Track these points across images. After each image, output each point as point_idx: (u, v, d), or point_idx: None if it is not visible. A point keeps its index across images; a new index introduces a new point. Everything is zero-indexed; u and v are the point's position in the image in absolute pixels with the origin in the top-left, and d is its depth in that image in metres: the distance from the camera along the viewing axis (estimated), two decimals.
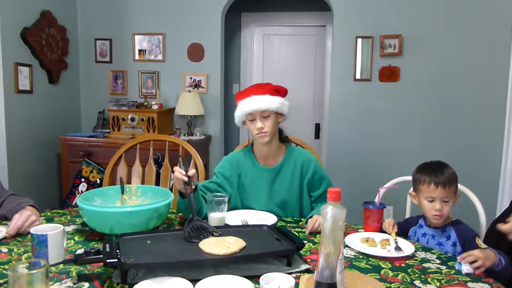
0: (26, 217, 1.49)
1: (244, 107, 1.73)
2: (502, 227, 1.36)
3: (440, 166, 1.56)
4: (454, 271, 1.28)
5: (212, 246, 1.25)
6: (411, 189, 1.67)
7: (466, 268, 1.26)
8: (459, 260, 1.29)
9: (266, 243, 1.34)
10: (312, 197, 1.86)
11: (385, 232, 1.59)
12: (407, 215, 1.94)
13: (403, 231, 1.67)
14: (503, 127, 3.06)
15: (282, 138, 1.89)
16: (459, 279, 1.22)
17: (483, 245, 1.41)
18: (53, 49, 3.35)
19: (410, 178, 1.97)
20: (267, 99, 1.71)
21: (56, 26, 3.37)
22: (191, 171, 1.51)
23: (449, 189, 1.51)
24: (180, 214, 1.78)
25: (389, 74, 3.29)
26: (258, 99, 1.70)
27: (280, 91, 1.79)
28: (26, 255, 1.33)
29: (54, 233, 1.24)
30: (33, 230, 1.25)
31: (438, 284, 1.19)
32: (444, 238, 1.55)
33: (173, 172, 1.52)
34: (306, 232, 1.59)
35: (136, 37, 3.67)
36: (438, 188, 1.51)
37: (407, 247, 1.42)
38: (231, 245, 1.25)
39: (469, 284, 1.19)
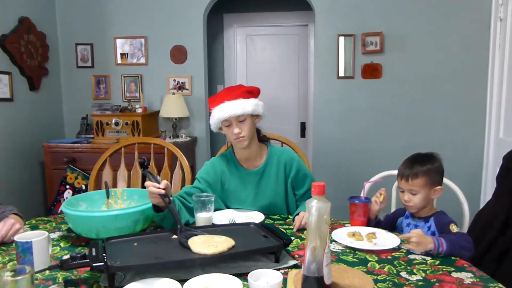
0: (10, 226, 1.47)
1: (219, 114, 1.69)
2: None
3: (415, 160, 1.58)
4: (438, 261, 1.30)
5: (201, 245, 1.24)
6: None
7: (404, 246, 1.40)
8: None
9: (254, 241, 1.34)
10: (296, 195, 1.87)
11: (371, 225, 1.62)
12: (393, 209, 1.96)
13: (391, 222, 1.70)
14: (484, 121, 3.11)
15: (261, 138, 1.87)
16: (444, 269, 1.24)
17: (455, 230, 1.46)
18: (33, 55, 3.30)
19: (395, 172, 2.00)
20: (241, 104, 1.68)
21: (35, 32, 3.33)
22: (164, 182, 1.46)
23: (413, 182, 1.54)
24: None
25: (372, 71, 3.33)
26: (231, 104, 1.67)
27: (253, 92, 1.76)
28: (11, 263, 1.31)
29: (39, 239, 1.23)
30: (17, 237, 1.24)
31: (423, 274, 1.21)
32: (425, 228, 1.58)
33: (145, 186, 1.48)
34: (294, 230, 1.60)
35: (118, 41, 3.65)
36: (402, 180, 1.57)
37: (393, 240, 1.44)
38: (219, 244, 1.25)
39: (453, 274, 1.21)
